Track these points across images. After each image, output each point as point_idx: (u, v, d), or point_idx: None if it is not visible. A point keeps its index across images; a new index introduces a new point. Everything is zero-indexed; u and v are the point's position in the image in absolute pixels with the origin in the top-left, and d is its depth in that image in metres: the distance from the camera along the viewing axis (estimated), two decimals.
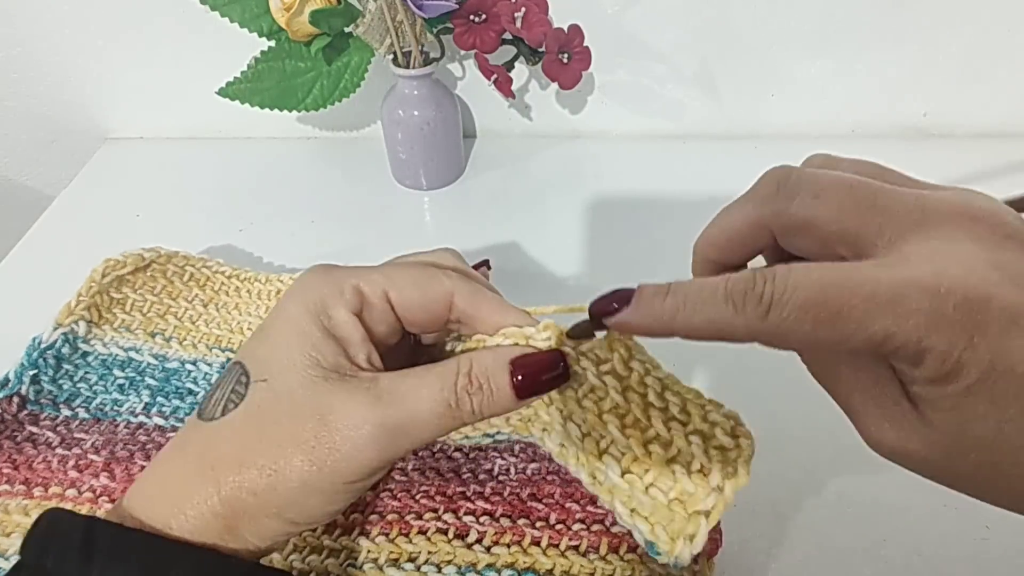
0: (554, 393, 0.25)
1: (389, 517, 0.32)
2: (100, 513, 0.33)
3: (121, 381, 0.39)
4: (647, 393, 0.24)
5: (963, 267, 0.17)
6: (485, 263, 0.41)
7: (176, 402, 0.38)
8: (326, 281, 0.25)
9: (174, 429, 0.37)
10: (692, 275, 0.24)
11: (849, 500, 0.35)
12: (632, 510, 0.23)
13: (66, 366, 0.39)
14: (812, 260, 0.19)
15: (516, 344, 0.25)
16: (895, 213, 0.18)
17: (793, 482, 0.35)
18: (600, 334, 0.25)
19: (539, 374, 0.24)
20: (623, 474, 0.23)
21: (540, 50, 0.49)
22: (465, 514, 0.32)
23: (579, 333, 0.24)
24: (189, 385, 0.39)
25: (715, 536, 0.30)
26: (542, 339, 0.24)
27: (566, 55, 0.49)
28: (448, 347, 0.28)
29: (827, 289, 0.17)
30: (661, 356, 0.25)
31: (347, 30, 0.49)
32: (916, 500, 0.34)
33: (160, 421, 0.37)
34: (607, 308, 0.21)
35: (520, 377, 0.23)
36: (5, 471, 0.35)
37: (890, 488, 0.35)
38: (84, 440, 0.36)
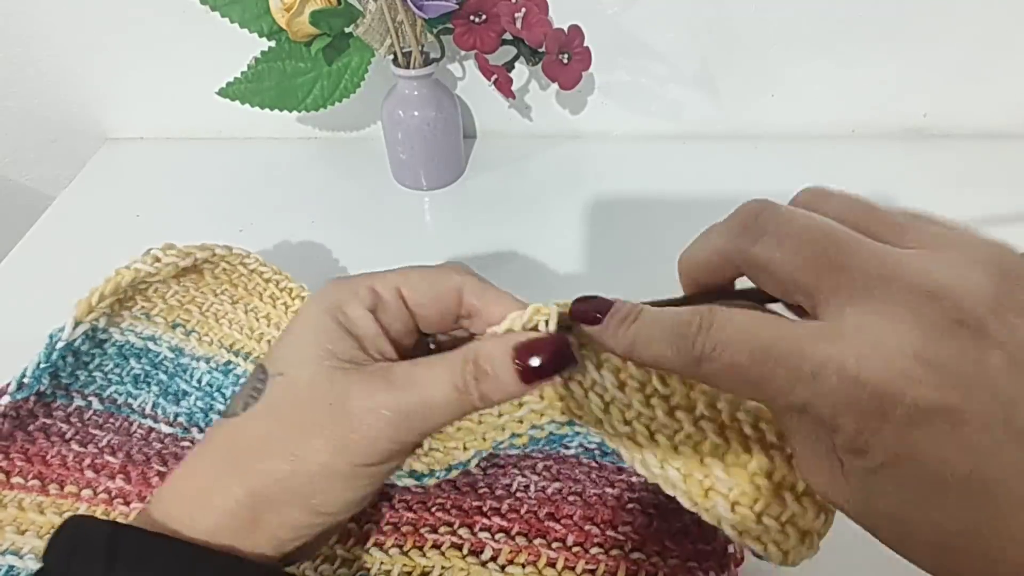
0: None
1: (403, 529, 0.31)
2: (115, 515, 0.33)
3: (136, 372, 0.38)
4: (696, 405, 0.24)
5: (887, 359, 0.17)
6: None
7: (173, 408, 0.37)
8: (341, 285, 0.26)
9: (185, 437, 0.36)
10: (681, 289, 0.25)
11: None
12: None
13: (83, 358, 0.38)
14: (772, 296, 0.21)
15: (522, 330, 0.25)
16: (852, 276, 0.18)
17: None
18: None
19: (542, 357, 0.24)
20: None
21: (540, 50, 0.49)
22: (480, 530, 0.31)
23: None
24: (184, 387, 0.38)
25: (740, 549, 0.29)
26: (542, 321, 0.24)
27: (566, 55, 0.49)
28: None
29: (754, 354, 0.18)
30: None
31: (347, 30, 0.49)
32: None
33: (167, 429, 0.37)
34: (586, 316, 0.23)
35: (525, 362, 0.24)
36: (18, 463, 0.34)
37: None
38: (99, 437, 0.35)
